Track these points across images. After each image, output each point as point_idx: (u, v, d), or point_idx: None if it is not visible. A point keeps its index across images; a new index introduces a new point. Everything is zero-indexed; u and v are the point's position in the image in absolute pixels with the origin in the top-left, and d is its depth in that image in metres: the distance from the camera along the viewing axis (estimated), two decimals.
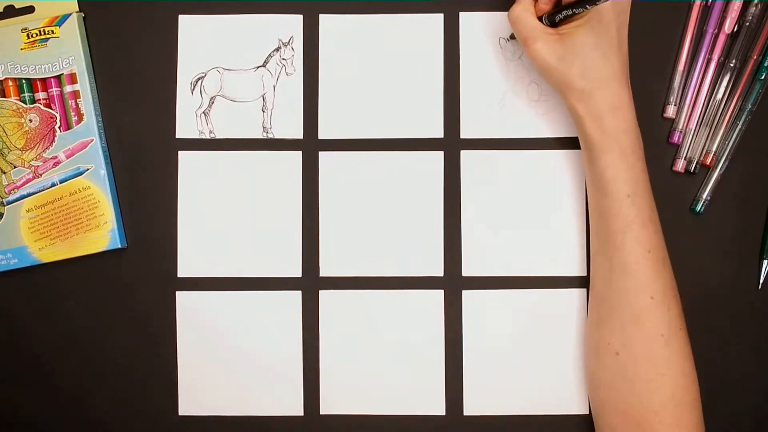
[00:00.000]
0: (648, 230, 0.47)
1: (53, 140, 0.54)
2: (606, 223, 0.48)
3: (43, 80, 0.55)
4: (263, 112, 0.55)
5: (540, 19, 0.49)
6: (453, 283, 0.55)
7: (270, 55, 0.55)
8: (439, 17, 0.55)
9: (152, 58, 0.55)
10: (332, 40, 0.55)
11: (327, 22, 0.55)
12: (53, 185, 0.54)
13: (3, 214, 0.54)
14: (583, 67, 0.47)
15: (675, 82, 0.54)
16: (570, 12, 0.47)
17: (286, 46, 0.55)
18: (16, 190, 0.54)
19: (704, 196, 0.54)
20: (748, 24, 0.53)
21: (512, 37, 0.55)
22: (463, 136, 0.55)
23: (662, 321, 0.47)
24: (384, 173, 0.55)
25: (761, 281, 0.54)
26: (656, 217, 0.48)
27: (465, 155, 0.55)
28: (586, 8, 0.46)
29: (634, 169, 0.47)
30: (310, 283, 0.55)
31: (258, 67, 0.55)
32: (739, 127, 0.54)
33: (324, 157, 0.55)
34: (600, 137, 0.47)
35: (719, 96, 0.54)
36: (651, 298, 0.47)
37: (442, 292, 0.55)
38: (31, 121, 0.54)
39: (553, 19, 0.48)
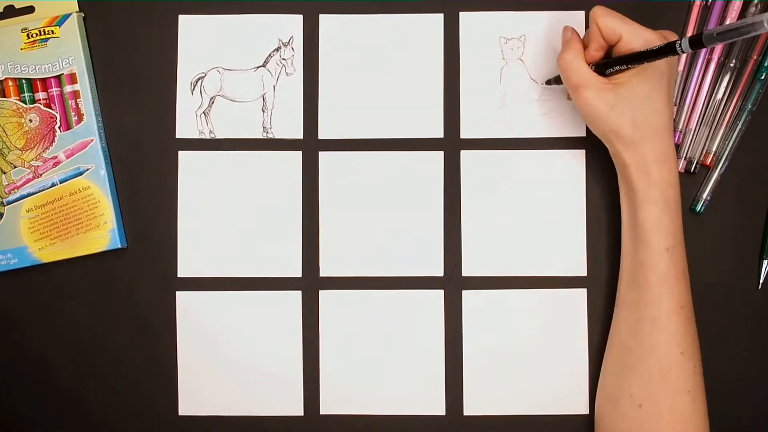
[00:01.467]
0: (681, 285, 0.47)
1: (53, 140, 0.54)
2: (642, 273, 0.48)
3: (43, 80, 0.55)
4: (263, 112, 0.55)
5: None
6: (453, 283, 0.55)
7: (270, 55, 0.55)
8: (439, 17, 0.55)
9: (152, 58, 0.55)
10: (332, 40, 0.55)
11: (327, 22, 0.55)
12: (53, 185, 0.54)
13: (3, 214, 0.54)
14: (634, 117, 0.46)
15: (675, 82, 0.54)
16: (624, 67, 0.46)
17: (286, 46, 0.55)
18: (16, 190, 0.54)
19: (704, 196, 0.54)
20: None
21: (550, 82, 0.54)
22: (463, 136, 0.55)
23: (689, 377, 0.47)
24: (384, 173, 0.55)
25: (761, 281, 0.54)
26: (687, 274, 0.48)
27: (465, 155, 0.55)
28: (643, 63, 0.45)
29: (674, 222, 0.47)
30: (310, 283, 0.55)
31: (258, 67, 0.55)
32: (739, 127, 0.54)
33: (324, 157, 0.55)
34: (645, 188, 0.47)
35: (719, 96, 0.54)
36: (681, 354, 0.47)
37: (442, 292, 0.55)
38: (31, 121, 0.54)
39: (603, 71, 0.47)
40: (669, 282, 0.47)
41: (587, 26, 0.54)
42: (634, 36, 0.46)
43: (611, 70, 0.47)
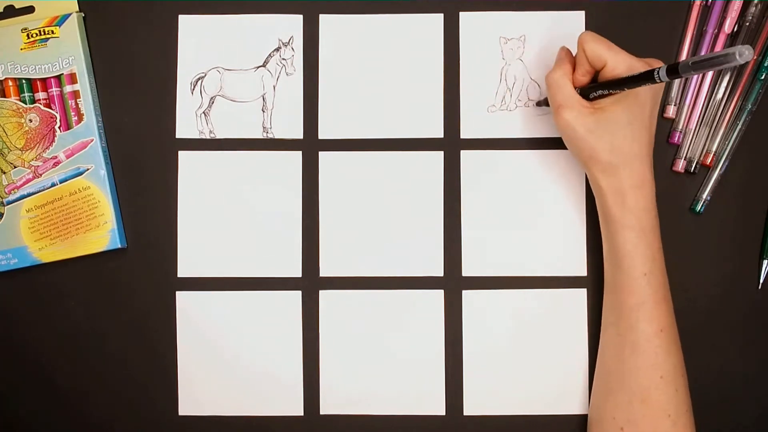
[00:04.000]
0: (661, 309, 0.47)
1: (53, 140, 0.54)
2: (620, 298, 0.48)
3: (43, 80, 0.55)
4: (263, 112, 0.55)
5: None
6: (453, 283, 0.55)
7: (270, 55, 0.55)
8: (439, 17, 0.55)
9: (152, 58, 0.55)
10: (332, 40, 0.55)
11: (327, 22, 0.55)
12: (53, 185, 0.54)
13: (3, 214, 0.54)
14: (612, 143, 0.46)
15: (675, 82, 0.54)
16: (606, 92, 0.46)
17: (286, 46, 0.55)
18: (16, 190, 0.54)
19: (704, 196, 0.54)
20: (748, 24, 0.53)
21: (540, 103, 0.55)
22: (463, 136, 0.55)
23: (669, 401, 0.47)
24: (384, 173, 0.55)
25: (761, 281, 0.54)
26: (669, 297, 0.48)
27: (465, 155, 0.55)
28: (623, 89, 0.46)
29: (652, 248, 0.47)
30: (310, 283, 0.55)
31: (258, 67, 0.55)
32: (739, 127, 0.54)
33: (324, 157, 0.55)
34: (620, 213, 0.47)
35: (719, 96, 0.54)
36: (660, 377, 0.47)
37: (442, 292, 0.55)
38: (31, 121, 0.54)
39: (587, 94, 0.48)
40: (647, 307, 0.47)
41: (587, 26, 0.54)
42: (619, 62, 0.46)
43: (594, 94, 0.47)
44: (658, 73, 0.41)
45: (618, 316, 0.48)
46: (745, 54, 0.35)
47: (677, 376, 0.48)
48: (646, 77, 0.43)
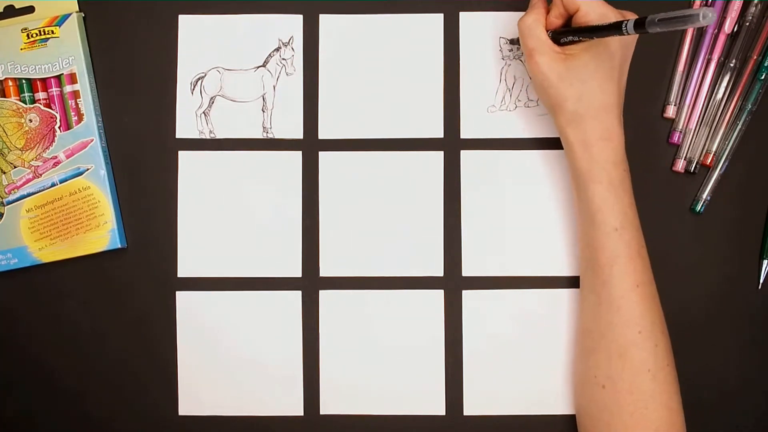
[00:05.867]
0: (635, 264, 0.47)
1: (53, 140, 0.54)
2: (593, 255, 0.48)
3: (43, 80, 0.55)
4: (263, 112, 0.55)
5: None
6: (453, 283, 0.55)
7: (270, 55, 0.55)
8: (439, 17, 0.55)
9: (152, 58, 0.55)
10: (332, 40, 0.55)
11: (327, 22, 0.55)
12: (53, 185, 0.54)
13: (3, 214, 0.54)
14: (580, 92, 0.46)
15: (675, 83, 0.54)
16: (576, 38, 0.46)
17: (286, 46, 0.55)
18: (16, 190, 0.54)
19: (704, 196, 0.54)
20: (748, 24, 0.53)
21: (514, 42, 0.55)
22: (463, 136, 0.55)
23: (649, 355, 0.47)
24: (384, 173, 0.55)
25: (761, 281, 0.54)
26: (645, 252, 0.48)
27: (465, 155, 0.55)
28: (592, 38, 0.46)
29: (622, 202, 0.47)
30: (310, 283, 0.55)
31: (258, 67, 0.55)
32: (739, 127, 0.54)
33: (324, 157, 0.55)
34: (588, 166, 0.47)
35: (719, 96, 0.54)
36: (638, 333, 0.47)
37: (442, 292, 0.55)
38: (31, 121, 0.54)
39: (558, 39, 0.48)
40: (620, 262, 0.47)
41: None
42: (592, 9, 0.46)
43: (564, 39, 0.47)
44: (626, 25, 0.42)
45: (592, 273, 0.48)
46: (708, 16, 0.36)
47: (656, 332, 0.47)
48: (615, 27, 0.43)
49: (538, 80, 0.48)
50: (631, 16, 0.45)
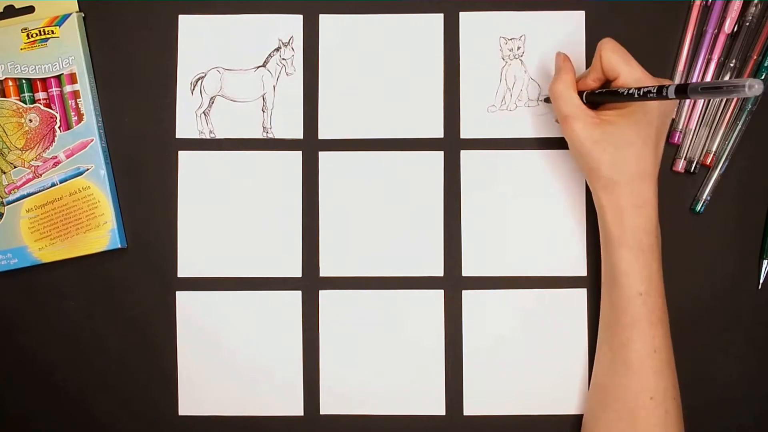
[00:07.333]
0: (656, 330, 0.47)
1: (53, 140, 0.54)
2: (614, 316, 0.48)
3: (43, 80, 0.55)
4: (263, 112, 0.55)
5: (580, 94, 0.48)
6: (453, 283, 0.55)
7: (270, 55, 0.55)
8: (439, 17, 0.55)
9: (152, 58, 0.55)
10: (332, 40, 0.55)
11: (327, 22, 0.55)
12: (53, 185, 0.54)
13: (3, 214, 0.54)
14: (615, 158, 0.46)
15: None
16: (612, 101, 0.46)
17: (286, 46, 0.55)
18: (16, 190, 0.54)
19: (704, 196, 0.54)
20: (748, 24, 0.53)
21: (548, 100, 0.54)
22: (463, 136, 0.55)
23: (658, 422, 0.46)
24: (384, 173, 0.55)
25: (761, 281, 0.54)
26: (666, 318, 0.48)
27: (465, 155, 0.55)
28: (627, 102, 0.45)
29: (649, 268, 0.47)
30: (310, 283, 0.55)
31: (258, 67, 0.55)
32: (739, 127, 0.54)
33: (324, 157, 0.55)
34: (619, 231, 0.47)
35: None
36: (650, 399, 0.46)
37: (442, 292, 0.55)
38: (31, 121, 0.54)
39: (594, 101, 0.47)
40: (641, 326, 0.47)
41: (587, 26, 0.54)
42: (631, 77, 0.46)
43: (600, 102, 0.47)
44: (666, 90, 0.41)
45: (612, 333, 0.48)
46: (755, 87, 0.34)
47: (667, 398, 0.47)
48: (656, 93, 0.42)
49: (574, 146, 0.47)
50: (667, 83, 0.44)
